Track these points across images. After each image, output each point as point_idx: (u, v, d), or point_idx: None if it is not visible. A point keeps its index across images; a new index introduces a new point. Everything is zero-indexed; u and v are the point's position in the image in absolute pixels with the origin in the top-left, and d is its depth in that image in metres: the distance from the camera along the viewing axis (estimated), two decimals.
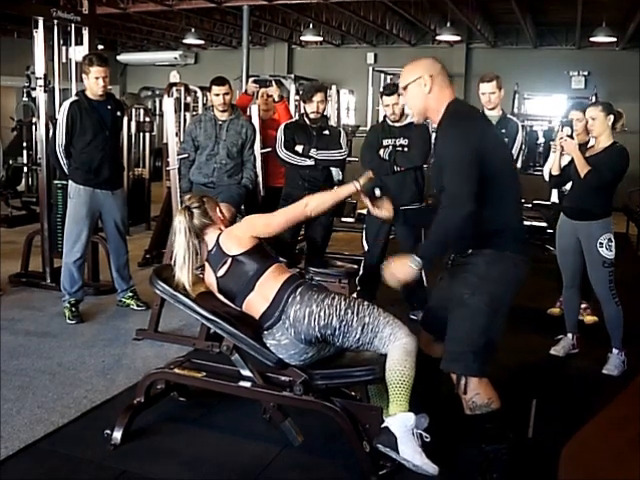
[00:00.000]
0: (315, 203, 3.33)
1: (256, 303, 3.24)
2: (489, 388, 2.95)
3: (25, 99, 10.74)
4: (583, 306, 5.43)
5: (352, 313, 3.11)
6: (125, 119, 8.15)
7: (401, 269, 2.90)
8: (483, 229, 2.91)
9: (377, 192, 3.29)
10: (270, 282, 3.23)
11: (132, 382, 4.06)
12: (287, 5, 12.26)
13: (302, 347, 3.18)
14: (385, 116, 5.49)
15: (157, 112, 13.54)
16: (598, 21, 11.95)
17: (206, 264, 3.39)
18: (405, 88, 3.03)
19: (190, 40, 15.01)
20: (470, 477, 3.13)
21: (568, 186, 4.89)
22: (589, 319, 5.47)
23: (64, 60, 6.38)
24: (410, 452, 2.85)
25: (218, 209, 3.46)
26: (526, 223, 8.88)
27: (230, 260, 3.27)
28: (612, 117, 4.49)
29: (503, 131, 5.28)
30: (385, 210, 3.32)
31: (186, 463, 3.28)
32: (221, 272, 3.29)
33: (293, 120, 5.95)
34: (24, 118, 11.13)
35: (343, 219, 8.89)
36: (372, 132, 5.69)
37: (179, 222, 3.36)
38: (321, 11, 13.52)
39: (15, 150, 10.91)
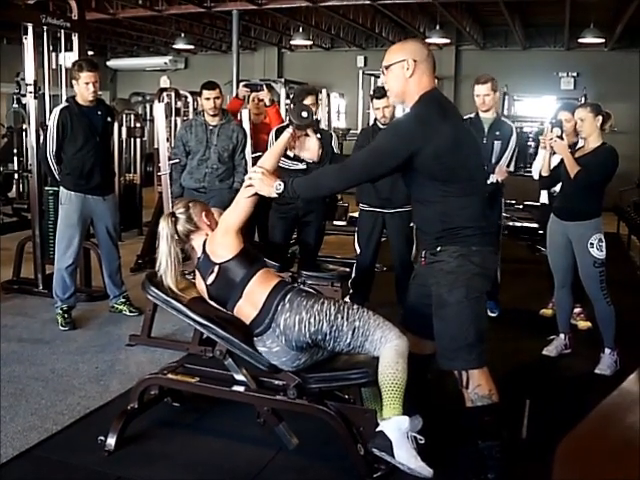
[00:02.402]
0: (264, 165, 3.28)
1: (245, 310, 3.23)
2: (490, 380, 3.00)
3: (15, 105, 10.71)
4: (577, 311, 5.45)
5: (342, 318, 3.11)
6: (116, 125, 8.14)
7: (265, 185, 3.04)
8: (449, 226, 2.96)
9: (304, 114, 3.31)
10: (258, 289, 3.21)
11: (126, 388, 4.06)
12: (276, 9, 12.27)
13: (294, 354, 3.17)
14: (375, 119, 5.49)
15: (148, 117, 13.56)
16: (586, 22, 12.00)
17: (196, 271, 3.39)
18: (387, 68, 3.04)
19: (180, 45, 15.02)
20: (465, 478, 3.14)
21: (558, 187, 4.91)
22: (583, 324, 5.48)
23: (54, 66, 6.37)
24: (405, 455, 2.85)
25: (205, 214, 3.43)
26: (517, 224, 8.98)
27: (217, 268, 3.25)
28: (601, 118, 4.51)
29: (497, 133, 5.30)
30: (309, 151, 3.42)
31: (181, 468, 3.28)
32: (210, 280, 3.28)
33: (284, 124, 5.95)
34: (14, 124, 11.11)
35: (335, 222, 8.90)
36: (363, 135, 5.69)
37: (162, 228, 3.37)
38: (311, 15, 13.54)
39: (5, 157, 10.89)
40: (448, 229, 2.95)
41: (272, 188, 3.01)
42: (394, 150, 2.91)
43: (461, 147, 2.97)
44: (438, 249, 2.99)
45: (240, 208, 3.26)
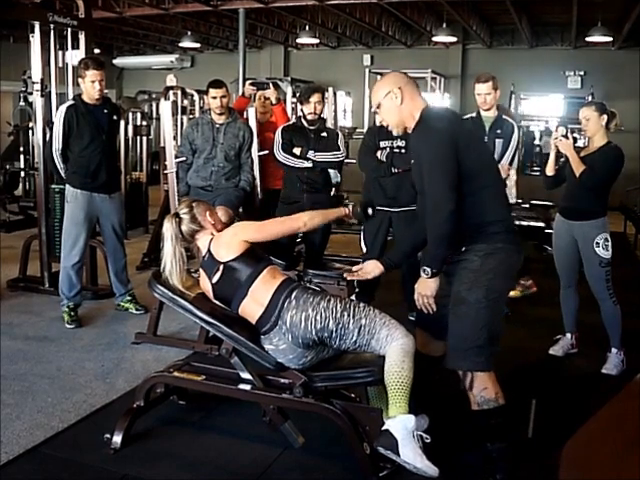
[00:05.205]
0: (310, 220, 3.45)
1: (251, 308, 3.24)
2: (496, 383, 2.99)
3: (22, 103, 10.73)
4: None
5: (348, 315, 3.11)
6: (122, 123, 8.14)
7: (422, 287, 3.08)
8: (473, 225, 2.98)
9: (370, 211, 3.48)
10: (263, 287, 3.23)
11: (131, 386, 4.07)
12: (283, 8, 12.26)
13: (300, 351, 3.18)
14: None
15: (154, 116, 13.55)
16: (594, 21, 11.96)
17: (201, 270, 3.40)
18: (379, 106, 3.17)
19: (186, 43, 15.03)
20: (471, 478, 3.14)
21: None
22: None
23: (60, 64, 6.38)
24: (411, 454, 2.85)
25: (209, 213, 3.44)
26: (523, 223, 8.97)
27: (222, 267, 3.27)
28: (606, 117, 4.50)
29: (499, 132, 5.29)
30: (373, 271, 3.46)
31: (186, 466, 3.28)
32: (215, 279, 3.30)
33: (291, 122, 5.96)
34: (21, 123, 11.13)
35: None
36: (369, 134, 5.68)
37: (166, 229, 3.38)
38: (317, 13, 13.52)
39: (12, 155, 10.91)
40: (474, 225, 2.98)
41: (431, 283, 3.05)
42: (445, 150, 2.93)
43: (473, 145, 3.05)
44: (463, 249, 3.01)
45: (265, 235, 3.40)
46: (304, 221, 3.43)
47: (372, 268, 3.44)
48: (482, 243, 2.97)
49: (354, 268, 3.52)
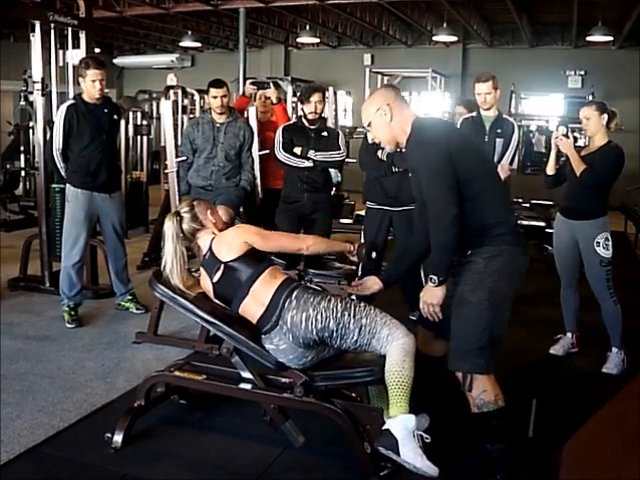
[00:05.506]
0: (314, 245, 3.51)
1: (251, 308, 3.25)
2: (495, 385, 2.99)
3: (22, 103, 10.74)
4: None
5: (349, 315, 3.11)
6: (122, 122, 8.13)
7: (428, 295, 3.05)
8: (476, 229, 2.99)
9: (374, 255, 3.56)
10: (264, 287, 3.23)
11: (132, 385, 4.07)
12: (283, 7, 12.27)
13: (301, 351, 3.18)
14: None
15: (154, 115, 13.55)
16: (594, 20, 11.95)
17: (201, 269, 3.40)
18: (369, 124, 3.19)
19: (187, 43, 15.03)
20: (471, 478, 3.14)
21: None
22: None
23: (61, 64, 6.38)
24: (411, 454, 2.85)
25: (210, 212, 3.45)
26: (524, 223, 8.98)
27: (223, 266, 3.27)
28: (606, 116, 4.50)
29: (499, 131, 5.29)
30: (372, 287, 3.49)
31: (187, 466, 3.28)
32: (216, 278, 3.30)
33: (291, 122, 5.95)
34: (21, 122, 11.13)
35: (342, 220, 8.88)
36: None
37: (167, 228, 3.38)
38: (317, 13, 13.53)
39: (12, 154, 10.91)
40: (477, 229, 2.99)
41: (438, 291, 3.02)
42: (441, 159, 2.94)
43: (471, 144, 3.10)
44: (469, 252, 3.02)
45: (267, 245, 3.39)
46: (308, 244, 3.47)
47: (371, 284, 3.46)
48: (488, 245, 2.98)
49: (353, 283, 3.56)
